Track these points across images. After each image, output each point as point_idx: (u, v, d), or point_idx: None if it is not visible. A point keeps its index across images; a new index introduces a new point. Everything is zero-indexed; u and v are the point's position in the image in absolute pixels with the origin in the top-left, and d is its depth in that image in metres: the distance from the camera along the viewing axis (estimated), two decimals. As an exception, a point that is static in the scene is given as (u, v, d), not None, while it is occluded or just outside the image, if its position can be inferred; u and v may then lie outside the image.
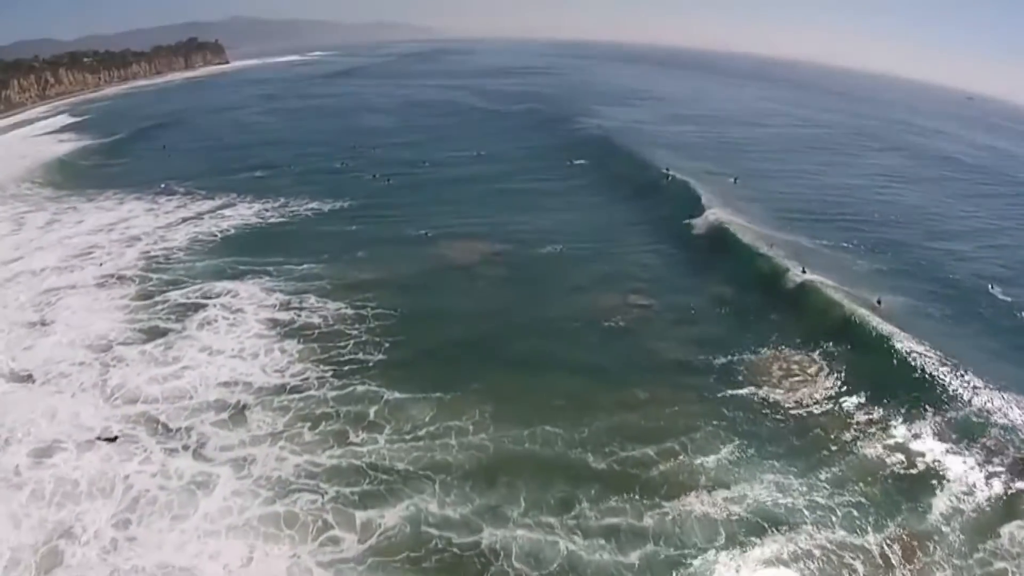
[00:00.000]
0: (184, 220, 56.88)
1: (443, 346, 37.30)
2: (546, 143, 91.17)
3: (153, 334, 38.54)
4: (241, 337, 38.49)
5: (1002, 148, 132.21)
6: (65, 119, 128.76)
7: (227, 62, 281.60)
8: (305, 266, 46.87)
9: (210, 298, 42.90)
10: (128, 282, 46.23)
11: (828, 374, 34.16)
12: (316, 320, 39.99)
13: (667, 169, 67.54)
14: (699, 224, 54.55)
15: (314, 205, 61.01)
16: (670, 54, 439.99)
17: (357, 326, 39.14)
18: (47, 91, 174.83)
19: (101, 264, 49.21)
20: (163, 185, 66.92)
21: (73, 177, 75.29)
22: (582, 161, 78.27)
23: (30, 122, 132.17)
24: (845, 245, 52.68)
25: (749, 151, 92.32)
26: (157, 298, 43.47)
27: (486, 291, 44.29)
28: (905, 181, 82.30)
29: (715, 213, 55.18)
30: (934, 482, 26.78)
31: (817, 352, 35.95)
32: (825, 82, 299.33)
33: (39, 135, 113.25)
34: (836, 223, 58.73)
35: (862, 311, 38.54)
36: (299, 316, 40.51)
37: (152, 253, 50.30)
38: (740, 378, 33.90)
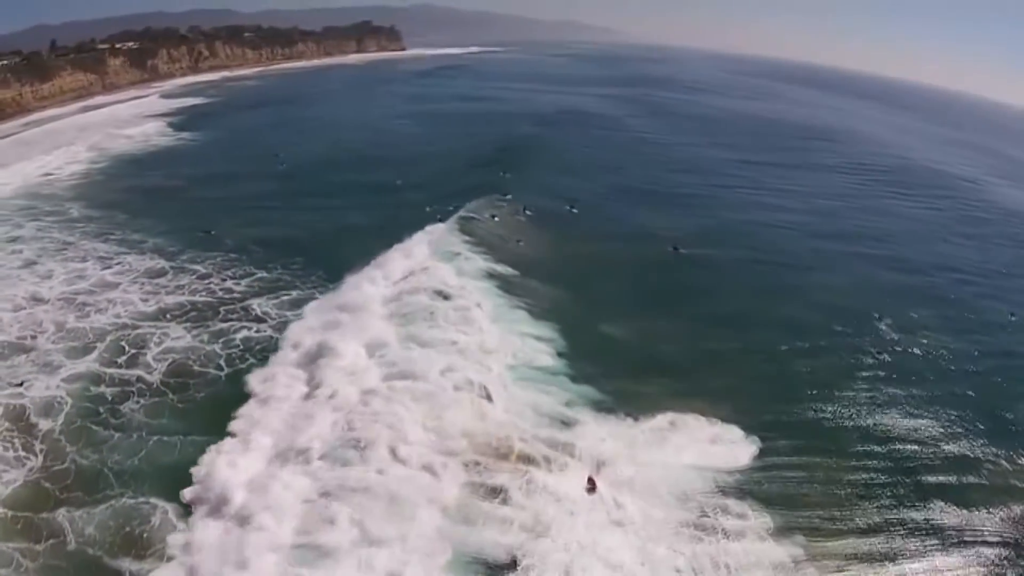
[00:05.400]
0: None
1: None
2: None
3: None
4: None
5: None
6: (192, 100, 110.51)
7: (403, 49, 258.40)
8: None
9: None
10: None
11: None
12: None
13: None
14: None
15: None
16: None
17: None
18: (199, 64, 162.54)
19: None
20: (212, 232, 39.74)
21: (116, 191, 51.23)
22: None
23: (159, 93, 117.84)
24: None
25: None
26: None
27: None
28: None
29: None
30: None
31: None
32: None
33: (149, 115, 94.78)
34: None
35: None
36: None
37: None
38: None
